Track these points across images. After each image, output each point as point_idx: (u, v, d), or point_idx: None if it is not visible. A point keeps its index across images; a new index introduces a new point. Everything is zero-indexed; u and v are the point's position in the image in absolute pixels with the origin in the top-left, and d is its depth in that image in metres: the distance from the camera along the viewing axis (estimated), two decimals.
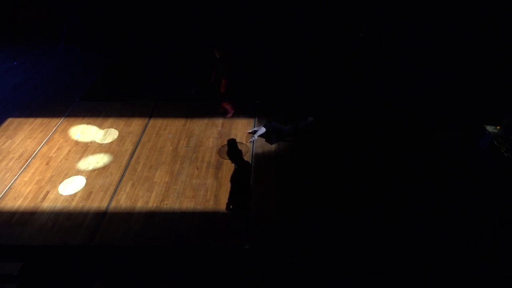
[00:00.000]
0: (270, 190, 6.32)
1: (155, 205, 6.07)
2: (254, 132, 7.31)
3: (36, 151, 7.15)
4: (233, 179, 4.86)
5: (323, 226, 5.70)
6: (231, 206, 5.15)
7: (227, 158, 5.00)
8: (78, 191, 6.29)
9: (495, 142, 6.70)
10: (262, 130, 7.25)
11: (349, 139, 7.43)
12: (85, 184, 6.42)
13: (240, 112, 8.18)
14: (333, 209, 5.98)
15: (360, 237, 5.54)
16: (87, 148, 7.19)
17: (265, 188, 6.36)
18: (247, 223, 5.56)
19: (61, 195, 6.17)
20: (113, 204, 6.08)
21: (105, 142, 7.35)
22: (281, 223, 5.75)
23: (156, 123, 7.87)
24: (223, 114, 8.06)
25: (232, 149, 4.80)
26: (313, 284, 5.08)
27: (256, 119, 8.00)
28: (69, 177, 6.58)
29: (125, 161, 6.91)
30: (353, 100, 8.63)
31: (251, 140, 7.27)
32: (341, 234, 5.60)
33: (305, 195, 6.21)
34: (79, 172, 6.65)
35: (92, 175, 6.60)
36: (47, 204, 6.09)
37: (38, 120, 7.98)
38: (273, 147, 7.23)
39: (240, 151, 4.87)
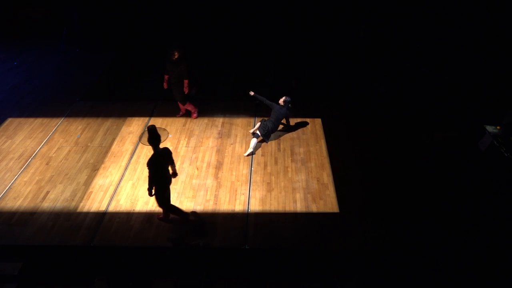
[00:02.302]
0: (270, 191, 6.33)
1: (155, 205, 6.07)
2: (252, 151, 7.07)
3: (36, 151, 7.15)
4: (149, 164, 5.01)
5: (322, 226, 5.71)
6: (153, 193, 5.24)
7: (148, 144, 5.17)
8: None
9: (495, 142, 6.70)
10: (254, 141, 7.03)
11: (348, 138, 7.44)
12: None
13: (241, 112, 8.19)
14: (332, 208, 5.99)
15: (357, 237, 5.54)
16: (87, 148, 7.20)
17: (265, 188, 6.37)
18: (165, 209, 5.57)
19: None
20: (113, 204, 6.08)
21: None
22: (280, 223, 5.76)
23: (156, 123, 7.86)
24: (187, 115, 8.04)
25: (151, 135, 4.98)
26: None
27: (256, 119, 8.01)
28: (68, 177, 6.58)
29: (125, 161, 6.91)
30: (352, 99, 8.64)
31: (247, 154, 7.03)
32: (340, 233, 5.60)
33: (304, 195, 6.22)
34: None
35: (92, 175, 6.62)
36: (47, 204, 6.09)
37: (38, 120, 7.98)
38: (272, 147, 7.23)
39: (159, 137, 5.04)
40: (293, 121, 7.84)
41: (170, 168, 5.39)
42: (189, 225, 5.71)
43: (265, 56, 10.60)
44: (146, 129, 5.08)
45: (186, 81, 7.40)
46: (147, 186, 6.30)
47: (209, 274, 5.11)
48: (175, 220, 5.79)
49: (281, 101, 7.07)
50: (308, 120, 7.95)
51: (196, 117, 7.96)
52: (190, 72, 7.44)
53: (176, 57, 7.12)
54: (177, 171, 6.62)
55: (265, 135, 7.10)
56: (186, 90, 7.51)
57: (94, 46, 11.14)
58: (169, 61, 7.21)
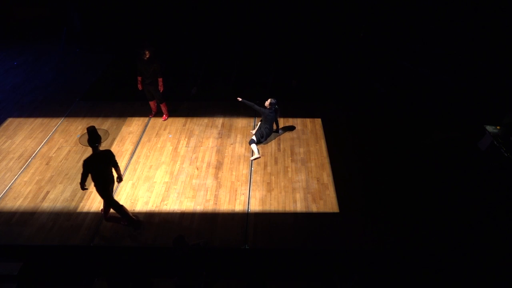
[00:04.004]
0: (270, 191, 6.33)
1: (155, 205, 6.07)
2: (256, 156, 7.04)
3: (36, 151, 7.15)
4: (84, 164, 5.05)
5: (322, 226, 5.71)
6: (85, 187, 5.33)
7: (87, 145, 5.20)
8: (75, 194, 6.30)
9: (495, 142, 6.70)
10: (255, 146, 7.04)
11: (348, 138, 7.44)
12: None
13: (241, 112, 8.20)
14: (332, 208, 5.99)
15: (357, 237, 5.54)
16: (87, 148, 7.19)
17: (265, 188, 6.37)
18: (119, 210, 5.56)
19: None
20: None
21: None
22: (280, 223, 5.76)
23: (156, 123, 7.87)
24: (154, 115, 8.06)
25: (91, 136, 5.02)
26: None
27: (256, 119, 8.01)
28: (68, 177, 6.57)
29: (125, 161, 6.91)
30: (352, 99, 8.64)
31: (254, 158, 6.98)
32: (340, 233, 5.60)
33: (304, 195, 6.22)
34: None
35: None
36: (47, 204, 6.09)
37: (38, 120, 7.98)
38: (272, 147, 7.22)
39: (99, 138, 5.09)
40: (293, 121, 7.85)
41: (114, 171, 5.41)
42: (133, 225, 5.69)
43: (265, 56, 10.59)
44: (86, 130, 5.05)
45: (160, 79, 7.37)
46: (147, 187, 6.38)
47: (209, 274, 5.11)
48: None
49: (267, 103, 6.99)
50: (308, 120, 7.95)
51: (166, 119, 7.93)
52: (194, 71, 7.39)
53: (147, 56, 7.06)
54: (178, 171, 6.66)
55: (261, 141, 7.23)
56: (161, 89, 7.48)
57: (94, 46, 11.15)
58: (141, 61, 7.14)
